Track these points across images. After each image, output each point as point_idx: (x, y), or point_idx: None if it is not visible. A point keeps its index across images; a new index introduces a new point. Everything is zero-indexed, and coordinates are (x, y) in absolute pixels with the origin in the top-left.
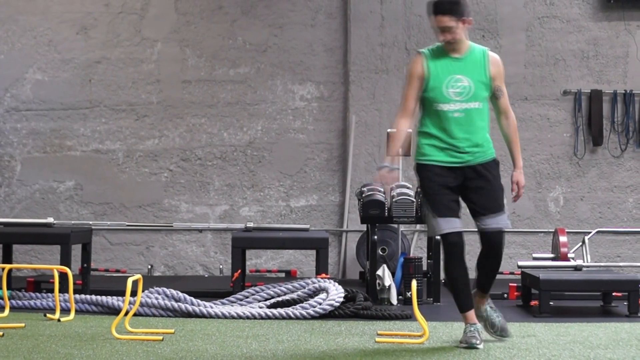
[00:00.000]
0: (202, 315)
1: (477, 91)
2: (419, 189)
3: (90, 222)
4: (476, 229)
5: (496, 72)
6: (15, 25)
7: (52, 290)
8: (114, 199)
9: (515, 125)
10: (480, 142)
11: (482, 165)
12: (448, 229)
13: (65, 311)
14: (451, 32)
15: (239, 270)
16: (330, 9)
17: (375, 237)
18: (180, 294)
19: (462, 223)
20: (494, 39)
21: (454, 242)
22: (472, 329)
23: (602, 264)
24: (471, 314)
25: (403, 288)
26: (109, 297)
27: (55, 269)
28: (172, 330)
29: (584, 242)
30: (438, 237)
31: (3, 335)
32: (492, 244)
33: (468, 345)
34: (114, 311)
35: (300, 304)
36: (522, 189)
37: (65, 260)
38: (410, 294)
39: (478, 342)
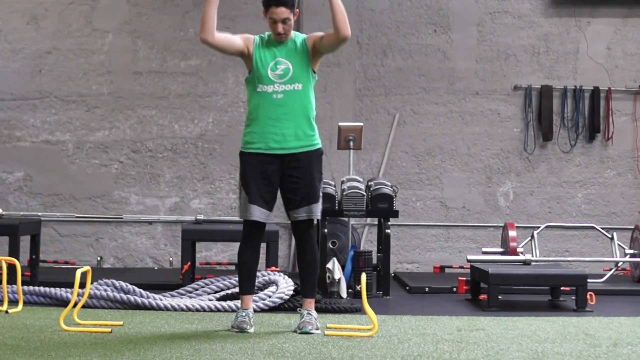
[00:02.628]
0: (151, 308)
1: (297, 73)
2: (370, 182)
3: (40, 214)
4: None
5: (312, 40)
6: None
7: None
8: (63, 190)
9: None
10: (303, 129)
11: (303, 154)
12: (255, 217)
13: (13, 303)
14: (287, 24)
15: (189, 263)
16: None
17: (326, 230)
18: (130, 286)
19: (268, 214)
20: (446, 34)
21: (254, 230)
22: (243, 314)
23: (550, 258)
24: (248, 298)
25: (353, 281)
26: (58, 288)
27: (3, 260)
28: (121, 322)
29: (533, 236)
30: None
31: None
32: (302, 231)
33: (239, 329)
34: (63, 303)
35: None
36: None
37: (14, 251)
38: (360, 288)
39: (248, 327)
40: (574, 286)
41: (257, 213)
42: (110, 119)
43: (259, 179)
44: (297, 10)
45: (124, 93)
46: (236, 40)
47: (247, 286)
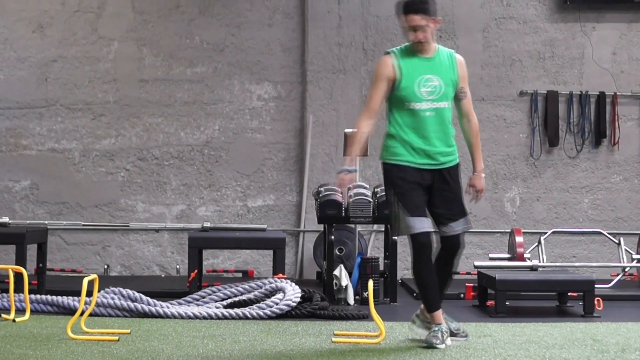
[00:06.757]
0: (158, 316)
1: (447, 90)
2: (376, 189)
3: (46, 222)
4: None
5: (462, 73)
6: None
7: (7, 290)
8: (70, 198)
9: (477, 129)
10: (450, 144)
11: (448, 170)
12: (420, 229)
13: (20, 311)
14: (423, 31)
15: (196, 270)
16: (287, 9)
17: (332, 237)
18: (137, 294)
19: (430, 223)
20: (451, 40)
21: (424, 242)
22: (436, 328)
23: (557, 264)
24: (438, 314)
25: (360, 288)
26: (65, 297)
27: (11, 268)
28: (128, 331)
29: (539, 242)
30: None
31: None
32: (454, 247)
33: (428, 344)
34: (70, 311)
35: (257, 304)
36: (480, 193)
37: (21, 260)
38: (367, 294)
39: (438, 342)
40: (582, 292)
41: (422, 224)
42: (117, 126)
43: (415, 189)
44: (439, 18)
45: (129, 101)
46: (382, 92)
47: (434, 301)
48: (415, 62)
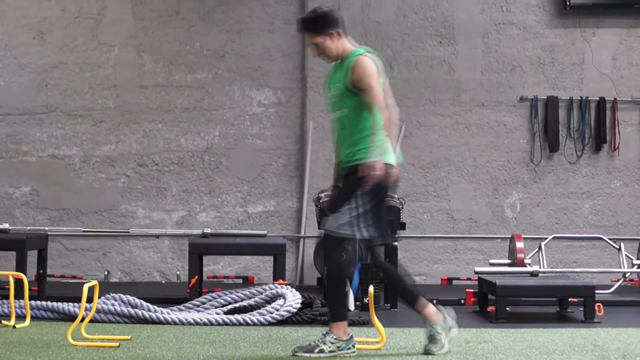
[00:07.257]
0: (158, 322)
1: (339, 99)
2: None
3: (47, 228)
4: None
5: (357, 74)
6: None
7: (7, 297)
8: (70, 204)
9: (390, 117)
10: (348, 150)
11: (348, 170)
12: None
13: (20, 318)
14: (316, 48)
15: (196, 277)
16: (287, 15)
17: None
18: (137, 300)
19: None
20: (451, 45)
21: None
22: (433, 332)
23: (558, 269)
24: (425, 309)
25: (360, 294)
26: (65, 303)
27: (11, 275)
28: (129, 337)
29: (540, 248)
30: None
31: None
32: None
33: (427, 352)
34: (70, 317)
35: (258, 310)
36: (367, 170)
37: (21, 266)
38: (368, 300)
39: (437, 349)
40: (582, 297)
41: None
42: (117, 132)
43: None
44: (336, 31)
45: (130, 107)
46: None
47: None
48: (331, 75)
